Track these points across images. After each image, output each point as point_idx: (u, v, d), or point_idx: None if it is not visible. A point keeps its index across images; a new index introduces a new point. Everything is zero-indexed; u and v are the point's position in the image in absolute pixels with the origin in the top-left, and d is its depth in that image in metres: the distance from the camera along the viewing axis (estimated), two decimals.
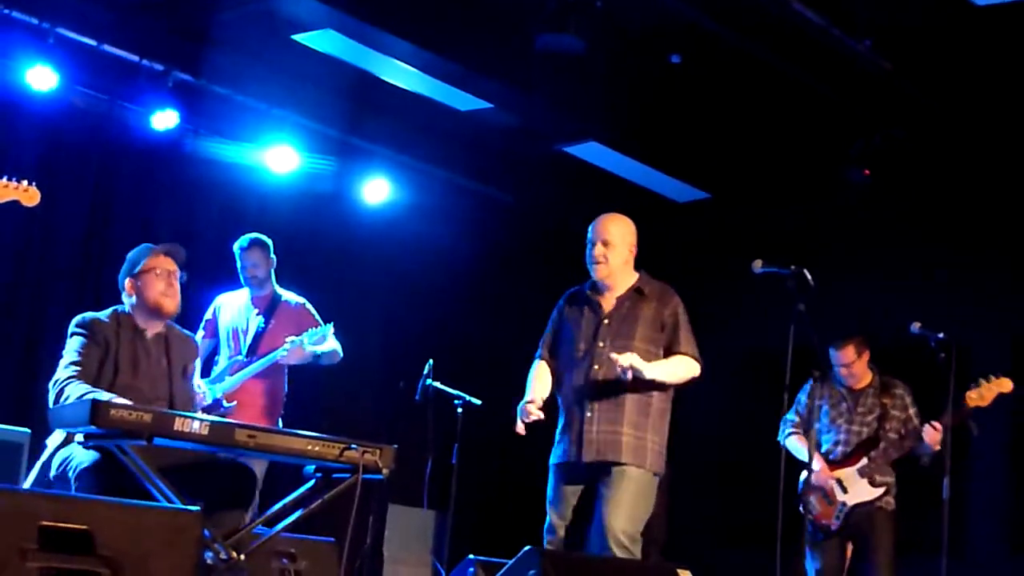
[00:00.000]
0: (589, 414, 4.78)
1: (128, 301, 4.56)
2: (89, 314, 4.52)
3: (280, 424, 6.05)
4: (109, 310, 4.56)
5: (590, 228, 4.92)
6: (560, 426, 4.93)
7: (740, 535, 7.22)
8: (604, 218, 4.92)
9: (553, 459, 4.96)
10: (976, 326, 7.46)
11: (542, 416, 4.82)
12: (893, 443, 5.89)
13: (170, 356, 4.56)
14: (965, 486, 7.08)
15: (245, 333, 6.13)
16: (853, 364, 6.00)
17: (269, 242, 6.25)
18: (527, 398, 4.87)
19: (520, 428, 4.85)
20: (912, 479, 6.00)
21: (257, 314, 6.14)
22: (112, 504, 3.53)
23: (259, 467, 5.81)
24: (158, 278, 4.50)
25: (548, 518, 4.91)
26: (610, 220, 4.91)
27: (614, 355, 4.64)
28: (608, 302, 4.88)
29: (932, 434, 5.76)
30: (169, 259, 4.55)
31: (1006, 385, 5.80)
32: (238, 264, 6.22)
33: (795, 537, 5.55)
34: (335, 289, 8.01)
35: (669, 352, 4.81)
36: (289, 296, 6.26)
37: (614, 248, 4.85)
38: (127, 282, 4.56)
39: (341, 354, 6.16)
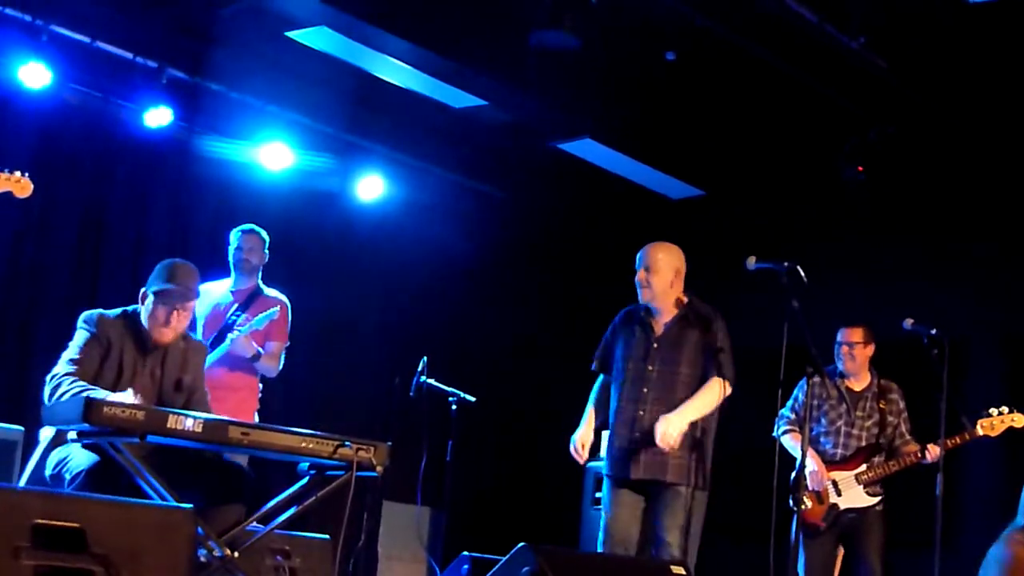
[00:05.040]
0: (637, 434, 5.06)
1: (140, 308, 4.53)
2: (97, 311, 4.50)
3: (256, 417, 6.03)
4: (119, 310, 4.53)
5: (637, 255, 5.24)
6: (610, 438, 5.22)
7: (734, 531, 7.23)
8: (650, 246, 5.24)
9: (605, 469, 5.25)
10: (969, 323, 7.47)
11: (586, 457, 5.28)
12: (896, 458, 5.90)
13: (164, 368, 4.53)
14: (958, 481, 7.10)
15: (215, 321, 6.07)
16: (856, 346, 5.99)
17: (267, 237, 6.24)
18: (578, 436, 5.26)
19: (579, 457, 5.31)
20: (905, 474, 6.00)
21: (233, 304, 6.10)
22: (105, 502, 3.53)
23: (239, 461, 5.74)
24: (162, 311, 4.46)
25: (604, 528, 5.17)
26: (654, 247, 5.22)
27: (658, 427, 4.95)
28: (659, 325, 5.18)
29: (934, 453, 5.78)
30: (178, 295, 4.46)
31: (1019, 421, 5.81)
32: (232, 247, 6.16)
33: (788, 533, 5.56)
34: (329, 286, 8.02)
35: (708, 373, 5.10)
36: (272, 292, 6.20)
37: (657, 274, 5.14)
38: (142, 291, 4.53)
39: (276, 372, 6.12)
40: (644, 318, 5.20)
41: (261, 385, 6.16)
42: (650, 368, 5.09)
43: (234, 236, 6.19)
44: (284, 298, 6.18)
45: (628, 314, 5.29)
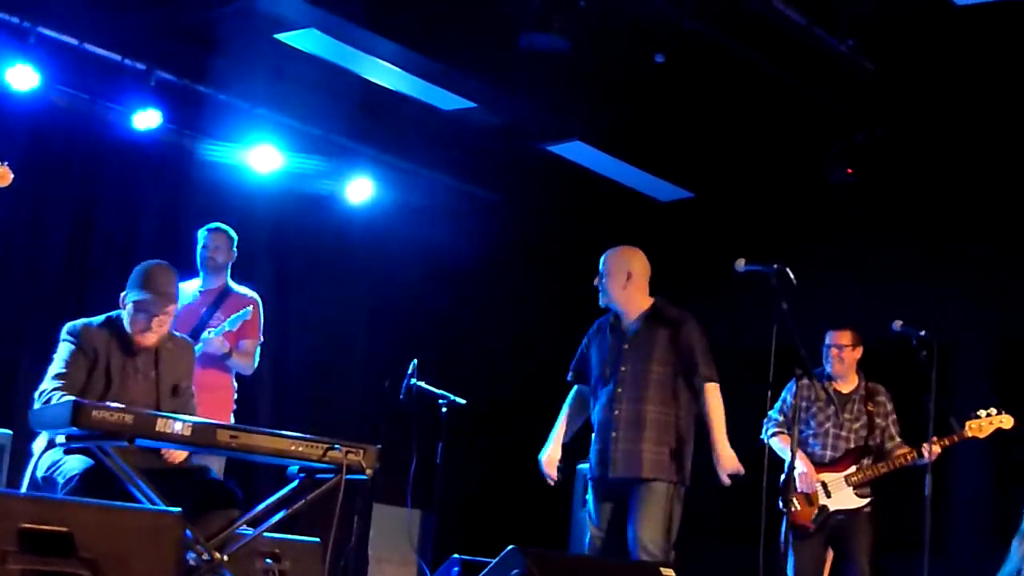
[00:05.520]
0: (614, 433, 5.14)
1: (123, 313, 4.47)
2: (81, 321, 4.44)
3: (233, 419, 6.01)
4: (103, 317, 4.47)
5: None
6: (592, 443, 5.29)
7: (723, 533, 7.24)
8: (607, 252, 5.32)
9: (589, 474, 5.31)
10: (958, 325, 7.49)
11: (557, 477, 5.34)
12: (886, 460, 5.92)
13: (159, 371, 4.49)
14: (947, 483, 7.11)
15: (186, 318, 6.00)
16: (845, 349, 6.02)
17: (235, 236, 6.20)
18: (545, 457, 5.34)
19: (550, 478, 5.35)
20: (893, 476, 6.01)
21: (201, 305, 6.07)
22: (93, 506, 3.52)
23: (217, 463, 5.73)
24: (141, 319, 4.40)
25: (588, 531, 5.25)
26: (608, 252, 5.32)
27: (726, 476, 5.07)
28: (627, 328, 5.26)
29: (934, 451, 5.78)
30: (156, 303, 4.39)
31: (1007, 422, 5.83)
32: (199, 245, 6.12)
33: (777, 535, 5.56)
34: (319, 289, 8.01)
35: (689, 375, 5.15)
36: (242, 290, 6.16)
37: (609, 277, 5.24)
38: (122, 296, 4.47)
39: (251, 369, 6.09)
40: (613, 323, 5.31)
41: (236, 384, 6.14)
42: (623, 369, 5.18)
43: (200, 235, 6.17)
44: (255, 295, 6.15)
45: (599, 324, 5.40)
